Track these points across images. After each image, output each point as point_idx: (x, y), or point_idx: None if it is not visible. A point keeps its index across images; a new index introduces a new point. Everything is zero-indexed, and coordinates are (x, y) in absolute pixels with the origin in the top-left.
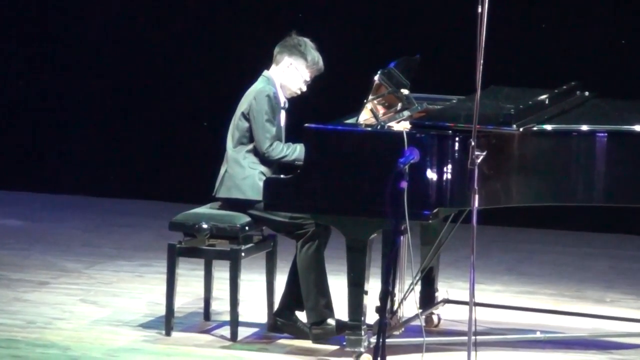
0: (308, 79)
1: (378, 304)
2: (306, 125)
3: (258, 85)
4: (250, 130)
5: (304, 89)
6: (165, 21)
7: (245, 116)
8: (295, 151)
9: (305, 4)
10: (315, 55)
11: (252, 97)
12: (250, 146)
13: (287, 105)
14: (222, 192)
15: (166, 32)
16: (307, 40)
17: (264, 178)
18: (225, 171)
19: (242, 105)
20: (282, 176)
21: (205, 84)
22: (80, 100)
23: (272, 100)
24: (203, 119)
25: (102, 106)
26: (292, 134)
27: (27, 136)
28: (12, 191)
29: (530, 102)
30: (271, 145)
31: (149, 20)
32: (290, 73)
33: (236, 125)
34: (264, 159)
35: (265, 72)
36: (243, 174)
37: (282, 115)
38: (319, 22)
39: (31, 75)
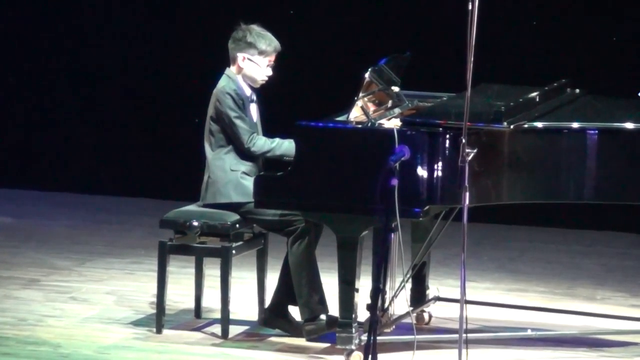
0: (268, 63)
1: (369, 301)
2: (297, 122)
3: (219, 86)
4: (223, 132)
5: (269, 73)
6: (158, 19)
7: (214, 119)
8: (282, 146)
9: (296, 2)
10: (265, 40)
11: (215, 99)
12: (229, 147)
13: (254, 97)
14: (208, 199)
15: (158, 29)
16: (252, 27)
17: (248, 178)
18: (208, 177)
19: (210, 109)
20: (271, 173)
21: (196, 81)
22: (71, 97)
23: (235, 97)
24: (194, 116)
25: (94, 104)
26: (282, 131)
27: (18, 133)
28: (2, 188)
29: (520, 100)
30: (250, 139)
31: (141, 18)
32: (248, 66)
33: (209, 130)
34: (247, 155)
35: (227, 70)
36: (225, 178)
37: (253, 108)
38: (309, 19)
39: (22, 72)
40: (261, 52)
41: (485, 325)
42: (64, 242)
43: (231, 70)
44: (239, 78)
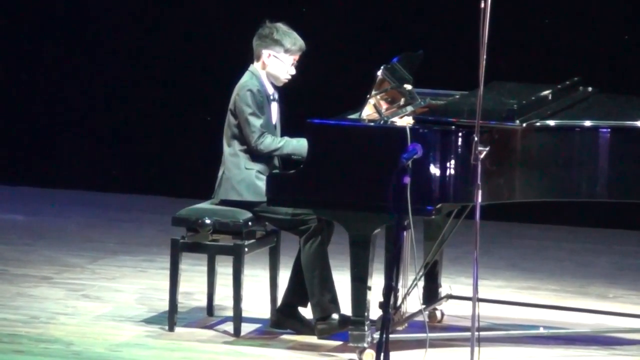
0: (292, 62)
1: (381, 299)
2: (309, 120)
3: (241, 81)
4: (239, 127)
5: (293, 71)
6: (168, 15)
7: (233, 112)
8: (289, 144)
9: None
10: (291, 39)
11: (236, 93)
12: (245, 145)
13: (276, 96)
14: (221, 195)
15: (169, 25)
16: (279, 25)
17: (262, 177)
18: (223, 173)
19: (230, 102)
20: (284, 171)
21: (209, 79)
22: (82, 94)
23: (256, 95)
24: (207, 114)
25: (105, 101)
26: (295, 129)
27: (30, 131)
28: (15, 186)
29: (533, 98)
30: (259, 138)
31: (151, 14)
32: (272, 64)
33: (228, 123)
34: (256, 154)
35: (251, 67)
36: (239, 175)
37: (274, 107)
38: (322, 17)
39: (33, 70)
40: (287, 50)
41: (498, 323)
42: (77, 239)
43: (255, 67)
44: (263, 75)
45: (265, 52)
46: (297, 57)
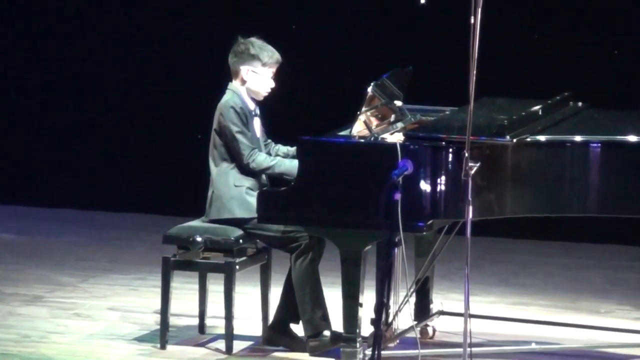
0: (272, 75)
1: (373, 316)
2: (300, 137)
3: (223, 100)
4: (226, 146)
5: (272, 84)
6: (158, 33)
7: (218, 132)
8: (282, 165)
9: (299, 17)
10: (267, 52)
11: (219, 113)
12: (233, 164)
13: (258, 112)
14: (213, 214)
15: (159, 44)
16: (253, 40)
17: (252, 193)
18: (212, 192)
19: (214, 123)
20: (274, 188)
21: (199, 97)
22: (73, 113)
23: (239, 112)
24: (197, 132)
25: (96, 120)
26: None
27: (21, 150)
28: (5, 205)
29: (523, 113)
30: (250, 155)
31: (142, 32)
32: (252, 79)
33: (213, 144)
34: (248, 171)
35: (230, 85)
36: (229, 193)
37: (256, 122)
38: (311, 34)
39: (24, 89)
40: (265, 64)
41: (489, 339)
42: (68, 258)
43: (234, 84)
44: (243, 92)
45: (243, 69)
46: (274, 69)
